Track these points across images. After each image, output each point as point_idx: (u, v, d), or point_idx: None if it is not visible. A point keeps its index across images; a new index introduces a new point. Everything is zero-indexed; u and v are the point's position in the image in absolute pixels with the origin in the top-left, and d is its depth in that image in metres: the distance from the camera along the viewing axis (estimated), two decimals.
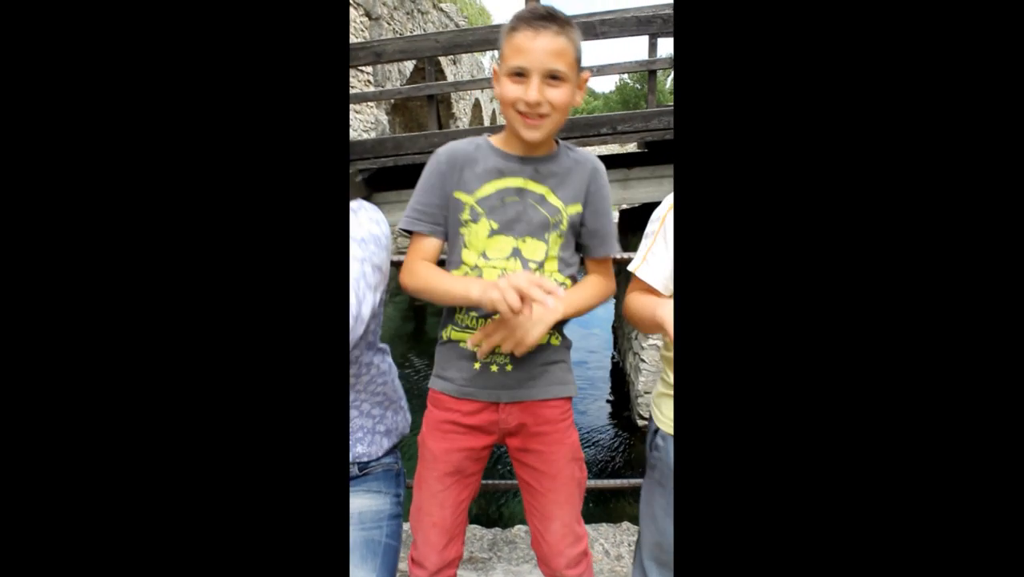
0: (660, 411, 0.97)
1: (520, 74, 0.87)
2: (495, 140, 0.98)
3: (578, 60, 0.90)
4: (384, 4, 7.77)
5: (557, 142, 0.99)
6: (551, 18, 0.86)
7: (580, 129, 3.98)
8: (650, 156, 4.51)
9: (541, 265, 0.96)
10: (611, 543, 1.65)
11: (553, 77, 0.87)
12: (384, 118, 8.25)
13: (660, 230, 0.94)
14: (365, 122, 7.58)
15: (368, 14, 7.25)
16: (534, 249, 0.95)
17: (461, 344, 0.98)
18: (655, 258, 0.96)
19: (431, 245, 0.97)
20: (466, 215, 0.96)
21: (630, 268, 0.99)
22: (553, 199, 0.96)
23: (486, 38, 4.19)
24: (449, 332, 1.00)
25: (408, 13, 8.40)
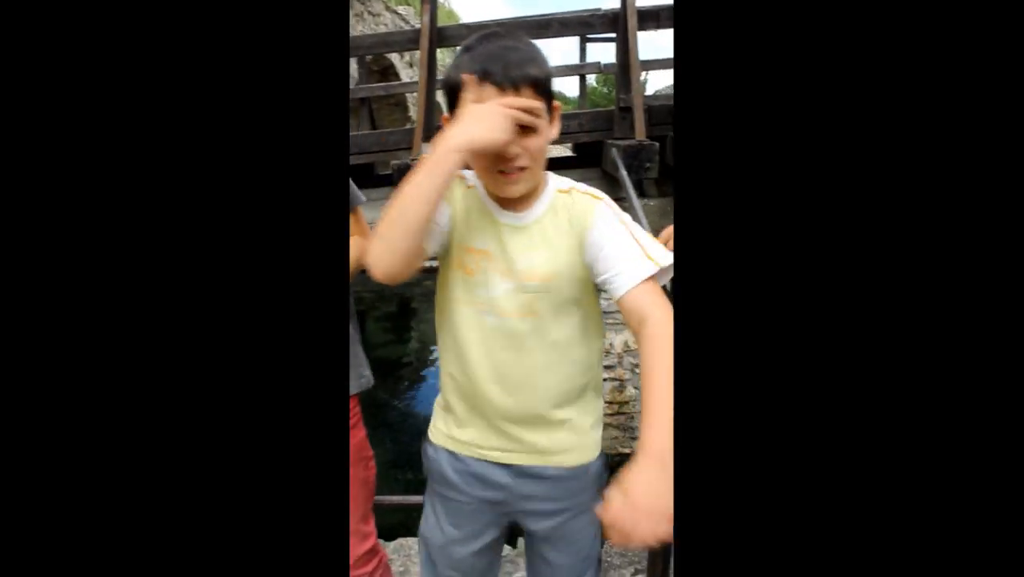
0: (434, 424, 0.96)
1: None
2: None
3: None
4: None
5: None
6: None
7: None
8: (579, 159, 4.53)
9: None
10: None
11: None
12: None
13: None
14: None
15: None
16: None
17: None
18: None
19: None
20: None
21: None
22: None
23: (411, 38, 4.16)
24: None
25: (357, 15, 8.35)
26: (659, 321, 0.72)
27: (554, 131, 0.80)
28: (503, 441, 0.87)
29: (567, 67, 4.71)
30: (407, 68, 9.70)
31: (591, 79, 10.09)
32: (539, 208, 0.83)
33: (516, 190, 0.79)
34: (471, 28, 3.77)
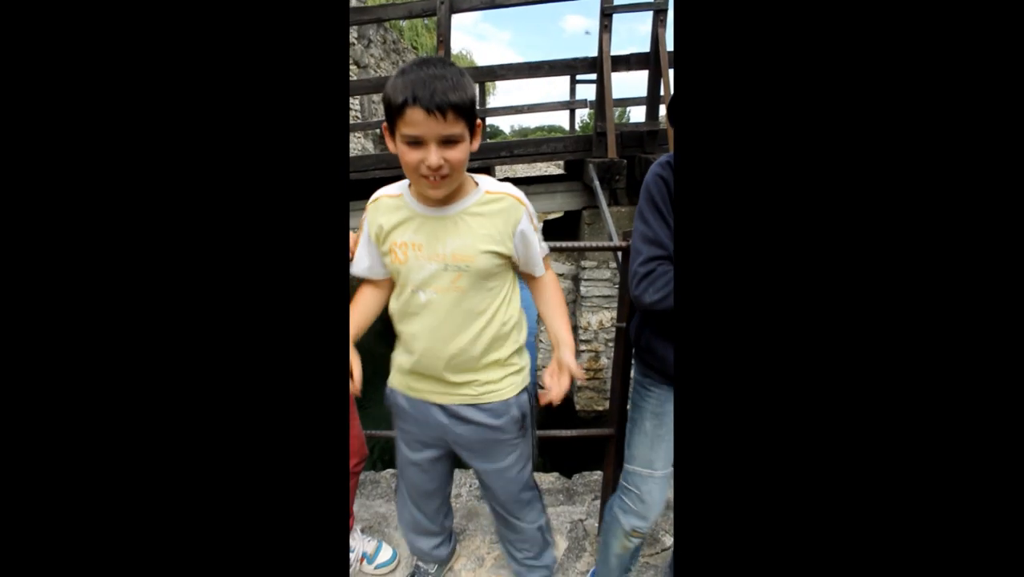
0: (392, 375, 1.19)
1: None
2: None
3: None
4: (371, 55, 9.02)
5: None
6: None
7: (521, 148, 4.82)
8: (567, 175, 5.43)
9: None
10: None
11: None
12: (371, 147, 9.43)
13: (362, 232, 1.07)
14: (352, 149, 8.67)
15: (356, 63, 8.49)
16: None
17: None
18: (358, 254, 1.10)
19: None
20: None
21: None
22: None
23: None
24: None
25: (394, 64, 9.62)
26: (545, 277, 1.11)
27: (475, 145, 0.93)
28: (440, 386, 1.10)
29: (560, 103, 5.72)
30: None
31: (584, 116, 11.11)
32: (464, 204, 0.98)
33: (438, 193, 0.93)
34: (480, 70, 4.74)
